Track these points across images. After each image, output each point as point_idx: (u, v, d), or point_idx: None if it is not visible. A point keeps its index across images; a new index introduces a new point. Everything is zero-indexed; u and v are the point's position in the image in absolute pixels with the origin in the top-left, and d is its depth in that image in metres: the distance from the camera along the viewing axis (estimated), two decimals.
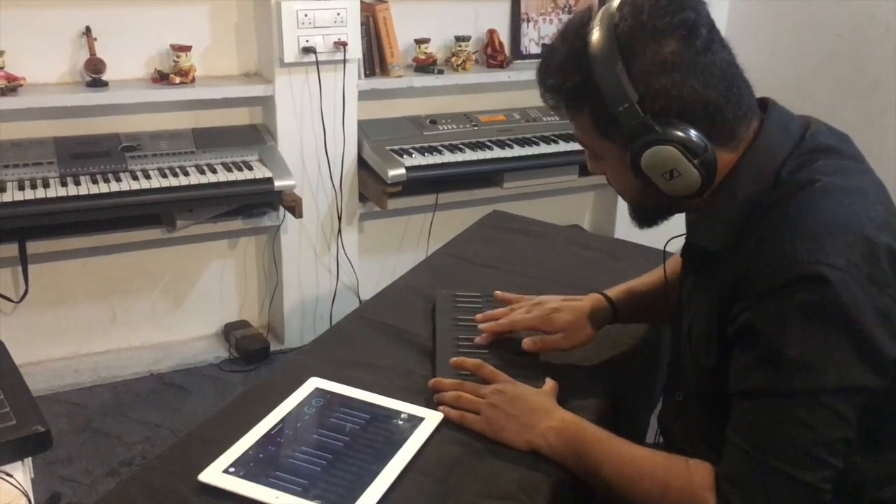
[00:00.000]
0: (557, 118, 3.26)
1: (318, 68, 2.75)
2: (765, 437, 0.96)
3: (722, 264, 1.05)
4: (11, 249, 2.51)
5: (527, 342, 1.33)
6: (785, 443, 0.95)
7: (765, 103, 1.10)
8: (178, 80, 2.66)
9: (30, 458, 1.34)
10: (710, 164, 1.01)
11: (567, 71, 1.04)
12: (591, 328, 1.34)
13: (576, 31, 1.04)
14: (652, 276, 1.42)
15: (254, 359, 2.92)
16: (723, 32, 1.05)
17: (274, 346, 3.00)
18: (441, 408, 1.19)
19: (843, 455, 0.95)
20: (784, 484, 0.95)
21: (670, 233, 1.23)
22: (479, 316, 1.41)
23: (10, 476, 1.27)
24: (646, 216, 1.15)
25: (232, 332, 2.99)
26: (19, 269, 2.59)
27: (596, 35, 1.01)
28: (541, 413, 1.15)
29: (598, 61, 1.00)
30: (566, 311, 1.34)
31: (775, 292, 0.95)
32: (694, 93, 1.00)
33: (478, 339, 1.36)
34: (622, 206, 3.53)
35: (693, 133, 1.00)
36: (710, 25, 1.02)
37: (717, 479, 1.00)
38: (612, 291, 1.40)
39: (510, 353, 1.33)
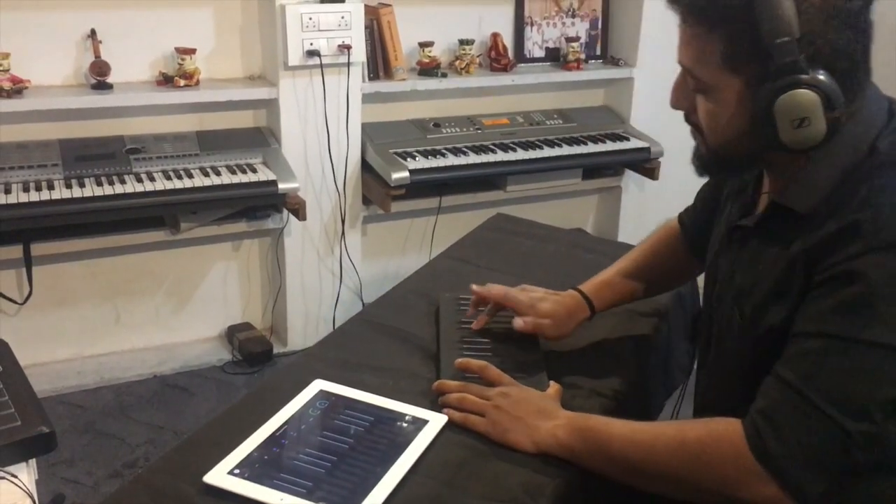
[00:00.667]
0: (561, 122, 3.27)
1: (322, 71, 2.76)
2: (822, 376, 0.95)
3: (802, 223, 1.03)
4: (16, 251, 2.52)
5: (517, 321, 1.36)
6: (840, 386, 0.94)
7: None
8: (182, 82, 2.67)
9: (34, 460, 1.34)
10: (836, 122, 0.99)
11: None
12: (571, 324, 1.38)
13: None
14: (623, 263, 1.46)
15: (257, 361, 2.92)
16: None
17: (277, 349, 3.00)
18: (445, 410, 1.19)
19: (884, 421, 0.93)
20: (823, 426, 0.93)
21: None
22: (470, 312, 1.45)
23: (15, 477, 1.26)
24: (720, 164, 1.10)
25: (235, 335, 2.99)
26: (23, 270, 2.59)
27: None
28: (545, 414, 1.15)
29: None
30: (551, 303, 1.38)
31: (887, 247, 0.94)
32: (847, 46, 0.98)
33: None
34: (625, 210, 3.56)
35: (837, 86, 0.97)
36: None
37: (747, 418, 0.98)
38: (588, 287, 1.42)
39: (514, 356, 1.34)
